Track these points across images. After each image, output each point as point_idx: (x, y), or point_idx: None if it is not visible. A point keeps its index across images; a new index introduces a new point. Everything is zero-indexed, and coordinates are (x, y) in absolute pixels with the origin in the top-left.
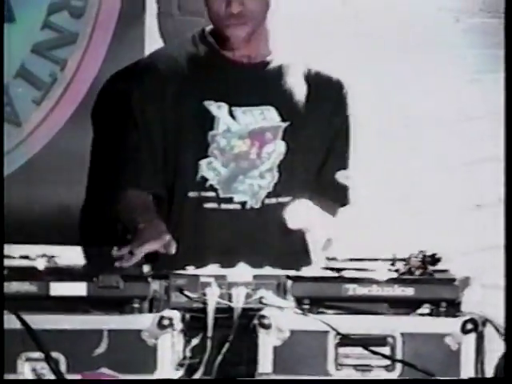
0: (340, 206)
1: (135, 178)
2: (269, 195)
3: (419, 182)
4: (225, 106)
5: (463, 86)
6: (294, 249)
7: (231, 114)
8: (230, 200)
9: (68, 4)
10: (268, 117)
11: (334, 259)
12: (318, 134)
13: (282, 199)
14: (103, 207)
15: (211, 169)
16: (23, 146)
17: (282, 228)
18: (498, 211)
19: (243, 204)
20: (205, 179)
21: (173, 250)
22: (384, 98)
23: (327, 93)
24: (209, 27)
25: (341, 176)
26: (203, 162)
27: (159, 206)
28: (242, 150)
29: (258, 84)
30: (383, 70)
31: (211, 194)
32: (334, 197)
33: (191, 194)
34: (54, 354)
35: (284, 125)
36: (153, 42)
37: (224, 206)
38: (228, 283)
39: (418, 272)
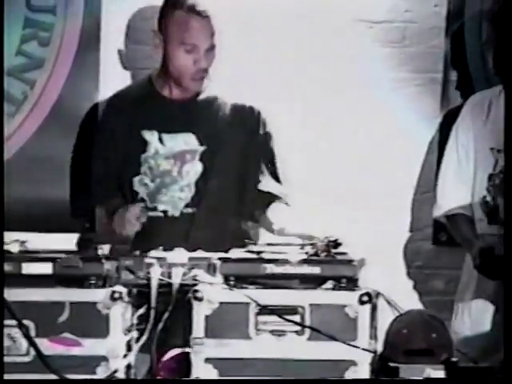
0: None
1: (102, 197)
2: (186, 206)
3: (329, 181)
4: (155, 133)
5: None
6: None
7: (160, 140)
8: (154, 209)
9: (37, 35)
10: (188, 142)
11: (254, 244)
12: (233, 156)
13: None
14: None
15: (142, 184)
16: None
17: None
18: (389, 204)
19: (165, 212)
20: (136, 193)
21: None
22: (300, 97)
23: (241, 119)
24: (154, 73)
25: (263, 186)
26: (136, 179)
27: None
28: (166, 168)
29: (184, 115)
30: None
31: (141, 204)
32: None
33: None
34: (25, 322)
35: (201, 148)
36: (106, 66)
37: (150, 213)
38: (168, 263)
39: (323, 254)
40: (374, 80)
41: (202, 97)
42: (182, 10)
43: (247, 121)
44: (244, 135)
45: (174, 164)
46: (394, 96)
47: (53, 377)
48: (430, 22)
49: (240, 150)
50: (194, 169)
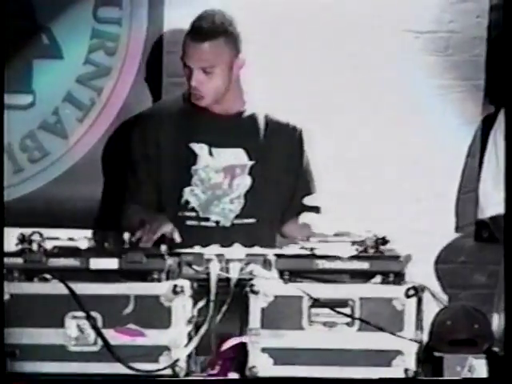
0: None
1: (140, 199)
2: (237, 217)
3: (376, 182)
4: (205, 147)
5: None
6: None
7: (210, 153)
8: (207, 219)
9: (104, 45)
10: (238, 156)
11: (307, 241)
12: (279, 171)
13: (246, 220)
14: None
15: (193, 195)
16: (69, 154)
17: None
18: (434, 204)
19: (217, 223)
20: (188, 202)
21: (178, 237)
22: (345, 103)
23: (285, 137)
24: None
25: (308, 200)
26: (187, 189)
27: None
28: (217, 181)
29: (232, 130)
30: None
31: (193, 213)
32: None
33: (179, 214)
34: (93, 314)
35: (250, 163)
36: (168, 74)
37: (203, 223)
38: (226, 259)
39: (371, 251)
40: (420, 87)
41: (247, 113)
42: (186, 35)
43: (289, 138)
44: (287, 151)
45: (224, 177)
46: (439, 102)
47: (119, 365)
48: (473, 32)
49: (284, 165)
50: (244, 182)
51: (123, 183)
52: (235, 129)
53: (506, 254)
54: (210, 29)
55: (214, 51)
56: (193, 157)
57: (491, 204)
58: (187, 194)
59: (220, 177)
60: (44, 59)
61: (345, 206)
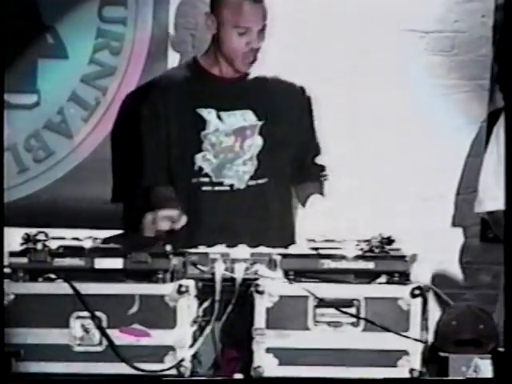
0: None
1: (156, 178)
2: (251, 178)
3: (381, 181)
4: (213, 112)
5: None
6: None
7: (219, 117)
8: (221, 183)
9: (108, 44)
10: (247, 118)
11: (313, 240)
12: (289, 130)
13: (260, 181)
14: (134, 202)
15: (205, 160)
16: (74, 153)
17: (263, 204)
18: (438, 204)
19: (231, 186)
20: (201, 168)
21: (179, 224)
22: (353, 103)
23: (293, 97)
24: (199, 54)
25: (319, 159)
26: (199, 155)
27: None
28: (228, 144)
29: (239, 93)
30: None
31: (207, 179)
32: (313, 179)
33: (193, 180)
34: (98, 313)
35: (260, 123)
36: None
37: (217, 188)
38: (231, 259)
39: (377, 250)
40: (425, 87)
41: (252, 75)
42: None
43: (298, 98)
44: (296, 112)
45: (235, 140)
46: (444, 102)
47: (123, 365)
48: (478, 32)
49: (294, 125)
50: (255, 143)
51: (133, 159)
52: (243, 91)
53: (505, 254)
54: None
55: (265, 10)
56: (202, 122)
57: (490, 198)
58: (199, 159)
59: (231, 140)
60: (49, 59)
61: (350, 207)
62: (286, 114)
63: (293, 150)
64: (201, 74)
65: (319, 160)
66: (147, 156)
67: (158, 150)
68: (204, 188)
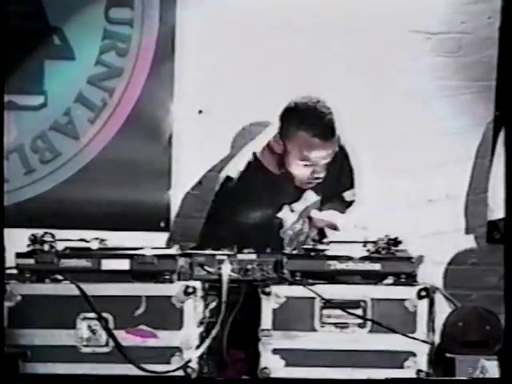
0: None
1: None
2: None
3: (388, 183)
4: (287, 208)
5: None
6: None
7: (291, 210)
8: None
9: (115, 45)
10: (308, 198)
11: (319, 241)
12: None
13: None
14: None
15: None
16: (80, 154)
17: None
18: (445, 206)
19: None
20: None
21: None
22: (359, 104)
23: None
24: (258, 152)
25: (347, 195)
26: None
27: None
28: (298, 227)
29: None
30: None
31: None
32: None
33: None
34: (104, 314)
35: (319, 198)
36: (181, 74)
37: None
38: (238, 260)
39: (383, 251)
40: (431, 88)
41: None
42: (307, 133)
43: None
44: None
45: (303, 222)
46: (450, 103)
47: (130, 366)
48: (484, 33)
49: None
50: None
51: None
52: None
53: (505, 254)
54: (334, 128)
55: (336, 142)
56: (278, 221)
57: (501, 206)
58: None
59: (299, 223)
60: (56, 60)
61: (357, 208)
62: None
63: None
64: (267, 174)
65: (348, 196)
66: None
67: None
68: None
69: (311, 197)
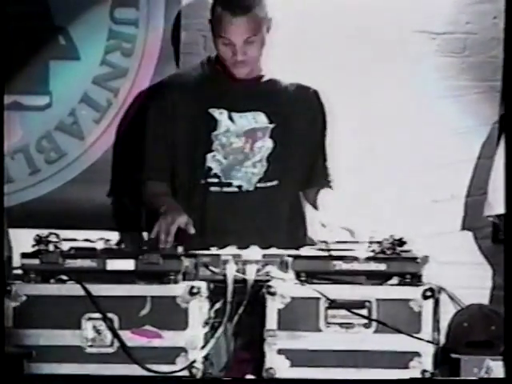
0: (322, 188)
1: (155, 172)
2: (260, 180)
3: (392, 183)
4: (225, 112)
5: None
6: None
7: (230, 118)
8: (229, 184)
9: (120, 46)
10: (259, 120)
11: (324, 241)
12: (300, 134)
13: (269, 183)
14: (129, 197)
15: (215, 160)
16: (85, 155)
17: (271, 206)
18: (450, 205)
19: (240, 187)
20: (210, 169)
21: (192, 229)
22: (364, 104)
23: (307, 102)
24: (213, 54)
25: (328, 165)
26: (209, 156)
27: (175, 195)
28: (238, 145)
29: (252, 95)
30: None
31: (215, 180)
32: (319, 182)
33: (201, 181)
34: (110, 315)
35: (271, 126)
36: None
37: (225, 189)
38: (243, 260)
39: (388, 252)
40: (436, 88)
41: (266, 78)
42: (219, 6)
43: (310, 102)
44: (308, 116)
45: (245, 141)
46: (455, 103)
47: (135, 367)
48: (490, 33)
49: (306, 129)
50: (266, 145)
51: (140, 158)
52: (255, 93)
53: (505, 254)
54: (248, 4)
55: (253, 21)
56: (213, 122)
57: (501, 202)
58: (209, 160)
59: (241, 141)
60: (61, 60)
61: (361, 208)
62: (298, 118)
63: (303, 155)
64: (214, 74)
65: (328, 166)
66: (149, 151)
67: (161, 146)
68: (212, 188)
69: (262, 120)
